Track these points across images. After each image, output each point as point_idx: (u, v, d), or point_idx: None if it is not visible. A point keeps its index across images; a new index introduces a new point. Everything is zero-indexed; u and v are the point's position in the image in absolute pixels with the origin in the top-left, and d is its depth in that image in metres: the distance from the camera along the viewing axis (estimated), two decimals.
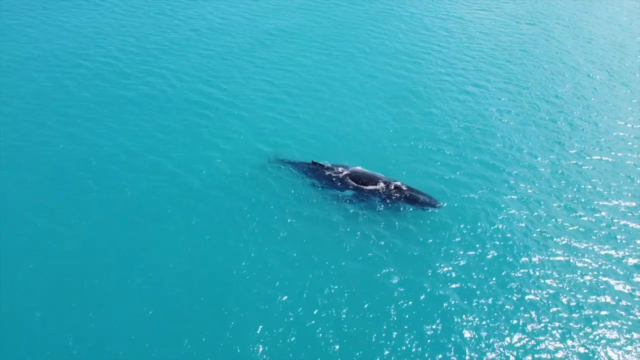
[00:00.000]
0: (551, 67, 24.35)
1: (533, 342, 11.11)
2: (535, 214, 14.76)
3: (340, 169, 15.46)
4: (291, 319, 11.38)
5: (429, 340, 11.03)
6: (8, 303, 11.68)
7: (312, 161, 15.78)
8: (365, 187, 14.93)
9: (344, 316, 11.47)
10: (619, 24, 30.56)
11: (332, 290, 12.08)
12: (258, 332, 11.08)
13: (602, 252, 13.49)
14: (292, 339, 10.98)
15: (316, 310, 11.57)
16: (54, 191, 15.12)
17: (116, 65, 22.96)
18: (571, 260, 13.21)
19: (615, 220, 14.56)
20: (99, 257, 12.92)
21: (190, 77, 22.14)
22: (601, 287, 12.50)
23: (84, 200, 14.78)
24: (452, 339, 11.08)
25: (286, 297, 11.88)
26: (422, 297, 12.00)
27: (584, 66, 24.54)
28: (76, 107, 19.54)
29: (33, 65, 22.65)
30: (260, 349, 10.73)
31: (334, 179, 15.23)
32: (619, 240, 13.85)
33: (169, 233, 13.65)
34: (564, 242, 13.75)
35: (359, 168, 15.65)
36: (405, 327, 11.28)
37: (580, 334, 11.35)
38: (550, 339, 11.19)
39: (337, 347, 10.82)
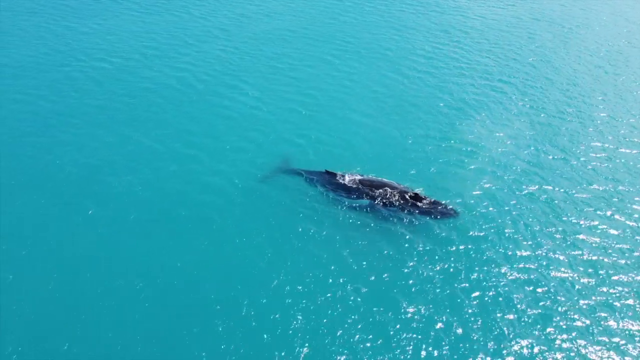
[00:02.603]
0: (571, 67, 24.07)
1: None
2: (562, 218, 14.61)
3: (354, 178, 15.15)
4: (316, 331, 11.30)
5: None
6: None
7: (326, 170, 15.54)
8: (380, 196, 14.60)
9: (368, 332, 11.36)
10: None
11: (356, 303, 12.00)
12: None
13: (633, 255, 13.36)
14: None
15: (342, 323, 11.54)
16: (76, 190, 15.32)
17: (137, 65, 23.26)
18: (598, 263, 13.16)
19: None
20: (121, 255, 13.13)
21: (212, 76, 22.34)
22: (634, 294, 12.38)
23: (107, 197, 15.03)
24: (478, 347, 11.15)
25: (308, 314, 11.67)
26: (443, 307, 11.89)
27: (605, 65, 24.26)
28: (99, 106, 19.87)
29: (53, 64, 23.10)
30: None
31: (349, 188, 14.88)
32: None
33: (183, 239, 13.62)
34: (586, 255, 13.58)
35: (372, 176, 15.38)
36: (430, 340, 11.21)
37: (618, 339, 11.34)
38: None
39: None
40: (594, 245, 13.71)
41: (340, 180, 15.12)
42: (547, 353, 11.00)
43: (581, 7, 32.54)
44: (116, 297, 11.95)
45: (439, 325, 11.47)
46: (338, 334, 11.22)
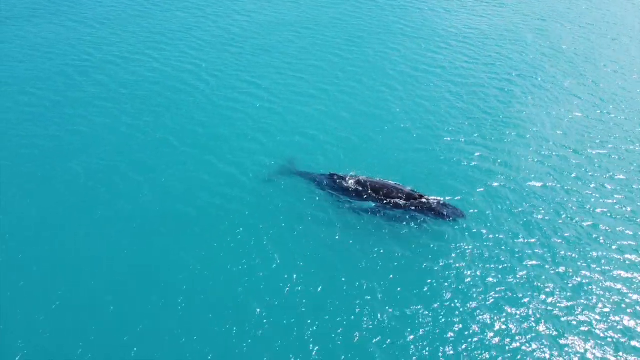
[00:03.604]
0: (590, 64, 24.04)
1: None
2: (575, 218, 14.46)
3: (360, 180, 15.03)
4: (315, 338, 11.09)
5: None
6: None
7: (330, 173, 15.43)
8: (386, 199, 14.48)
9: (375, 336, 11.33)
10: None
11: (371, 304, 11.90)
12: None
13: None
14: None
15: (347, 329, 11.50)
16: (82, 187, 15.22)
17: (148, 60, 23.21)
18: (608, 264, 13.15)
19: None
20: (126, 255, 13.02)
21: (223, 71, 22.28)
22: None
23: (113, 195, 14.92)
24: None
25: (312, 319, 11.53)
26: (457, 307, 11.83)
27: (614, 63, 24.25)
28: (112, 101, 19.82)
29: (63, 58, 23.05)
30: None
31: (355, 190, 14.76)
32: None
33: (190, 240, 13.47)
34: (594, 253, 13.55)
35: (379, 179, 15.20)
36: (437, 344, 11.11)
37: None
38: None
39: None
40: (608, 246, 13.57)
41: (346, 183, 15.02)
42: (562, 350, 11.04)
43: (586, 7, 32.66)
44: (120, 298, 11.84)
45: (455, 324, 11.41)
46: (354, 337, 11.10)
